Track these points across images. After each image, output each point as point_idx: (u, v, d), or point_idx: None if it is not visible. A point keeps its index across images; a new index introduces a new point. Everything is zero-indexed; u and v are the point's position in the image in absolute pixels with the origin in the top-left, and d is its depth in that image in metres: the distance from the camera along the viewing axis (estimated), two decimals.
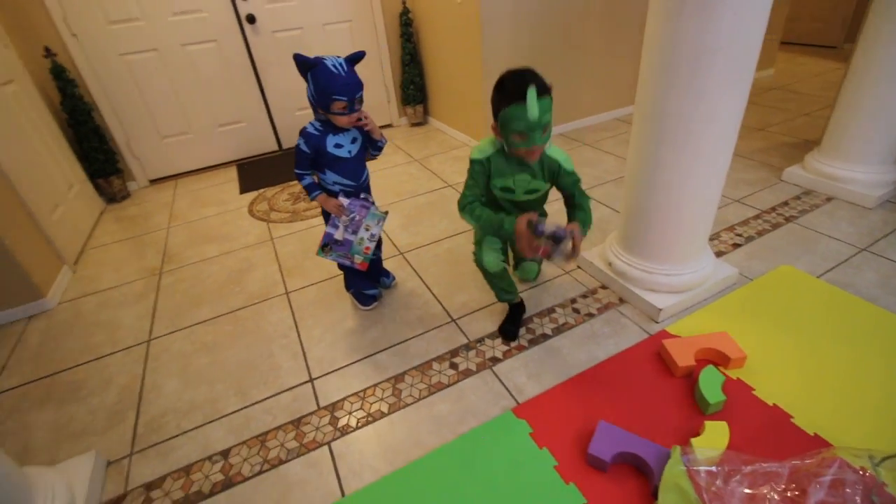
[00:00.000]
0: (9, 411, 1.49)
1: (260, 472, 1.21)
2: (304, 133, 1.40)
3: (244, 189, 2.93)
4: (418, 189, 2.65)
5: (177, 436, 1.34)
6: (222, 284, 2.00)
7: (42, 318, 1.93)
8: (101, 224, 2.71)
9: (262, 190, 2.89)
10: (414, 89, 3.49)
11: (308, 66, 1.29)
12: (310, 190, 1.46)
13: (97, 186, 2.87)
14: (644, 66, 1.34)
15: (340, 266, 1.71)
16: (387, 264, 1.99)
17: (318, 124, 1.40)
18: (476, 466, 1.15)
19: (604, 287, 1.72)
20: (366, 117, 1.42)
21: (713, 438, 1.10)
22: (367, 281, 1.73)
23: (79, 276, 2.21)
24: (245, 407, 1.40)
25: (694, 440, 1.10)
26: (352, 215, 1.49)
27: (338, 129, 1.41)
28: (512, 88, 1.14)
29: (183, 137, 3.14)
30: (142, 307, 1.92)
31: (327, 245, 1.50)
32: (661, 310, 1.51)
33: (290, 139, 3.47)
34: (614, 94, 3.30)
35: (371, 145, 1.51)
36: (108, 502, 1.18)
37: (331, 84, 1.28)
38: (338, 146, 1.42)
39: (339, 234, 1.49)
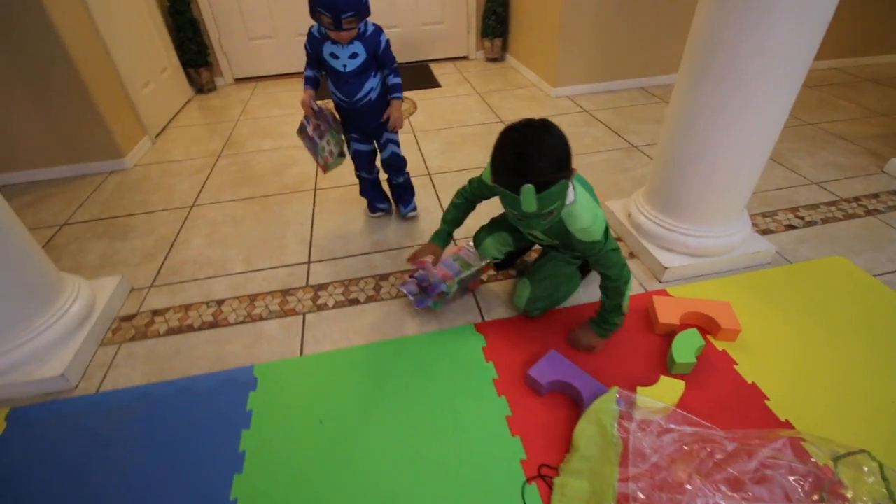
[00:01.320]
0: (73, 237, 1.78)
1: (241, 322, 1.35)
2: (308, 32, 1.38)
3: None
4: (468, 120, 2.61)
5: (188, 281, 1.53)
6: (264, 173, 2.17)
7: (119, 175, 2.24)
8: (186, 109, 3.01)
9: (326, 100, 3.00)
10: (495, 20, 3.34)
11: None
12: (304, 81, 1.46)
13: (189, 76, 3.16)
14: None
15: (355, 172, 1.71)
16: (413, 181, 2.02)
17: (323, 28, 1.34)
18: (422, 362, 1.20)
19: (618, 239, 1.62)
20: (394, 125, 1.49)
21: (663, 393, 1.04)
22: (379, 195, 1.76)
23: (157, 147, 2.51)
24: (247, 271, 1.55)
25: (640, 388, 1.05)
26: (318, 123, 1.48)
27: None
28: (504, 178, 0.90)
29: (268, 41, 3.32)
30: (195, 180, 2.15)
31: (301, 131, 1.50)
32: (666, 269, 1.40)
33: None
34: None
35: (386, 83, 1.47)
36: (122, 317, 1.40)
37: None
38: (333, 56, 1.37)
39: (310, 129, 1.47)
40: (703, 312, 1.23)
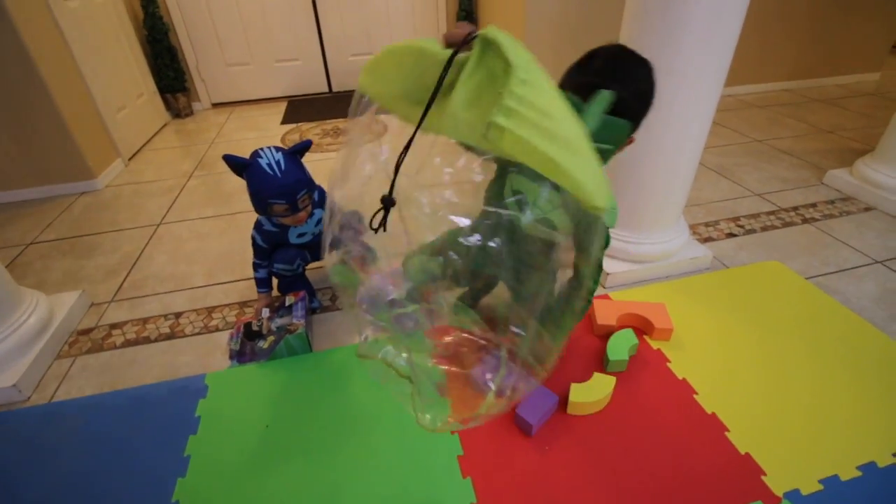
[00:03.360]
0: (39, 255, 1.81)
1: (198, 334, 1.39)
2: (258, 228, 1.29)
3: (285, 121, 3.16)
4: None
5: (149, 295, 1.56)
6: (232, 192, 2.22)
7: (90, 196, 2.27)
8: (162, 133, 3.07)
9: (299, 123, 3.11)
10: None
11: (241, 168, 1.14)
12: (258, 284, 1.37)
13: (166, 101, 3.23)
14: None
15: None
16: None
17: (274, 220, 1.25)
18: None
19: None
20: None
21: (595, 388, 1.10)
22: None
23: (129, 169, 2.56)
24: (208, 285, 1.59)
25: (573, 384, 1.10)
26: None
27: None
28: (583, 75, 0.79)
29: (245, 67, 3.43)
30: (164, 199, 2.20)
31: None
32: (608, 275, 1.47)
33: (341, 82, 3.64)
34: None
35: None
36: (79, 330, 1.42)
37: (265, 187, 1.12)
38: (301, 236, 1.32)
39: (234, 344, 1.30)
40: (638, 313, 1.30)
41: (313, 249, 1.41)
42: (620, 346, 1.20)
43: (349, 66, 3.58)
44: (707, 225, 1.81)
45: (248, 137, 2.92)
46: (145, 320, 1.45)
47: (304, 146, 1.20)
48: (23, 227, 2.03)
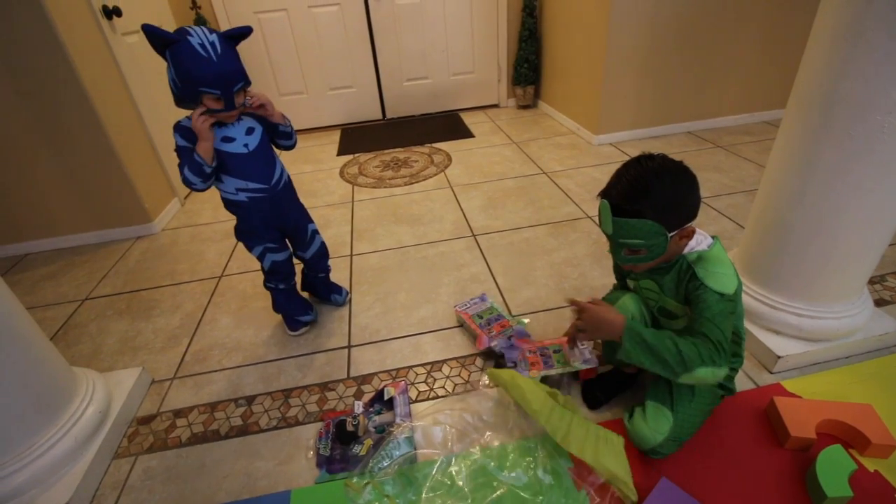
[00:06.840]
0: (94, 316, 1.64)
1: (275, 427, 1.16)
2: (178, 128, 1.08)
3: (341, 152, 2.99)
4: (509, 172, 2.46)
5: (216, 371, 1.36)
6: None
7: (146, 240, 2.13)
8: None
9: (356, 154, 2.93)
10: (527, 68, 3.27)
11: (164, 43, 0.96)
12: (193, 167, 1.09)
13: None
14: (817, 30, 1.01)
15: (267, 284, 1.41)
16: (457, 244, 1.86)
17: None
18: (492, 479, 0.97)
19: None
20: (252, 97, 1.10)
21: None
22: (302, 303, 1.45)
23: (185, 209, 2.42)
24: (281, 358, 1.37)
25: None
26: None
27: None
28: (606, 188, 0.87)
29: (298, 97, 3.30)
30: (224, 245, 2.03)
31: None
32: (780, 357, 1.17)
33: (395, 109, 3.47)
34: (767, 92, 2.74)
35: (274, 133, 1.20)
36: (140, 418, 1.22)
37: (196, 71, 0.96)
38: (227, 140, 1.11)
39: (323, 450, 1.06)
40: (843, 421, 0.99)
41: (276, 209, 1.27)
42: (837, 475, 0.89)
43: (404, 91, 3.41)
44: (872, 282, 1.48)
45: (304, 171, 2.76)
46: (213, 406, 1.24)
47: (243, 32, 1.05)
48: (78, 277, 1.89)
